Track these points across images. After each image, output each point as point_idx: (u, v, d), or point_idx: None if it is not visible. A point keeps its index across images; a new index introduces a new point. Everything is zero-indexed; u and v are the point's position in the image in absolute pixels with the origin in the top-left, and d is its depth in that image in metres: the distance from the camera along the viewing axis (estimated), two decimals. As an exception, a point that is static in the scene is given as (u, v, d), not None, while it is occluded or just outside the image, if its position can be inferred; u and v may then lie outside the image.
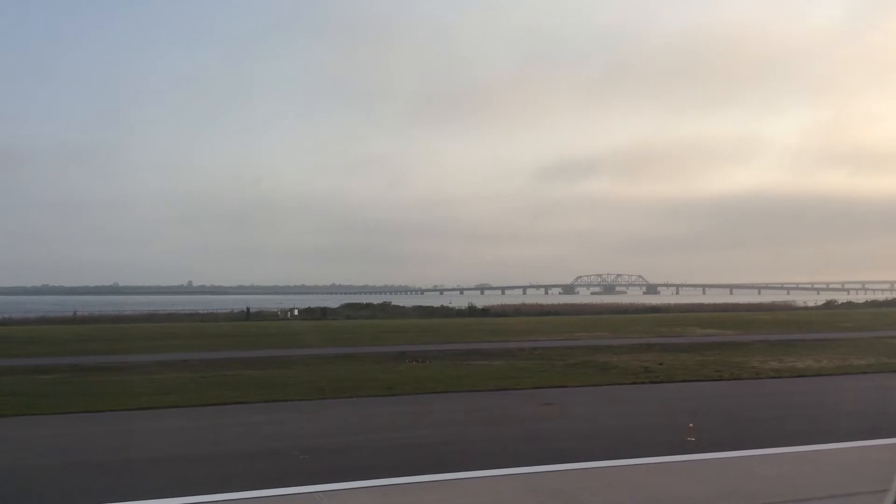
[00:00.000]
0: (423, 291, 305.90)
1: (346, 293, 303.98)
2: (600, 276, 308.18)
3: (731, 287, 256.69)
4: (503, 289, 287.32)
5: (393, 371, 27.64)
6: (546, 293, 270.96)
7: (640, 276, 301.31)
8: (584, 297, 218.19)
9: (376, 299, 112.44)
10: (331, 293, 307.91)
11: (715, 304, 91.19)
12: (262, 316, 70.34)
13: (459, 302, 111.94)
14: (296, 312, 71.36)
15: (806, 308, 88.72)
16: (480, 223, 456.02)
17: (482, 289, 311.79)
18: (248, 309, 71.43)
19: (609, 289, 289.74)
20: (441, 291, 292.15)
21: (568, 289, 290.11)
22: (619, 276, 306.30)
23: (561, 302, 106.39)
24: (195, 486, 10.87)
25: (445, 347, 37.08)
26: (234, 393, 21.72)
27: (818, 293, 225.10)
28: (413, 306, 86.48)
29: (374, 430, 16.06)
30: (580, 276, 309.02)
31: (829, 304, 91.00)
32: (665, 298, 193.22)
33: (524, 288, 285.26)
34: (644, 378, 24.44)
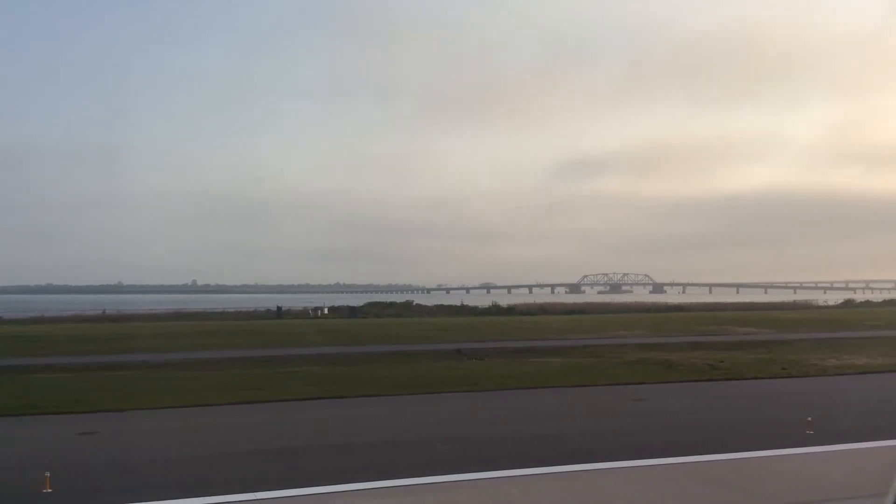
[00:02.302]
0: (428, 290, 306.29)
1: (350, 292, 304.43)
2: (606, 275, 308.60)
3: (738, 286, 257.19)
4: (509, 288, 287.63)
5: (459, 368, 28.35)
6: (552, 292, 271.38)
7: (646, 276, 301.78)
8: (590, 297, 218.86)
9: (382, 298, 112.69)
10: (335, 292, 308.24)
11: (736, 304, 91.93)
12: (292, 314, 71.08)
13: (469, 300, 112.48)
14: (325, 311, 72.14)
15: (827, 307, 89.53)
16: (488, 222, 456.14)
17: (487, 287, 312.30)
18: (279, 308, 72.20)
19: (615, 288, 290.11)
20: (447, 290, 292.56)
21: (574, 288, 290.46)
22: (625, 275, 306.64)
23: (569, 301, 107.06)
24: (409, 469, 11.43)
25: (495, 345, 37.76)
26: (328, 388, 22.39)
27: (825, 292, 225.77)
28: (435, 305, 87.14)
29: (490, 423, 16.78)
30: (586, 276, 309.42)
31: (849, 303, 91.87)
32: (672, 297, 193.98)
33: (530, 287, 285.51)
34: (714, 375, 25.15)
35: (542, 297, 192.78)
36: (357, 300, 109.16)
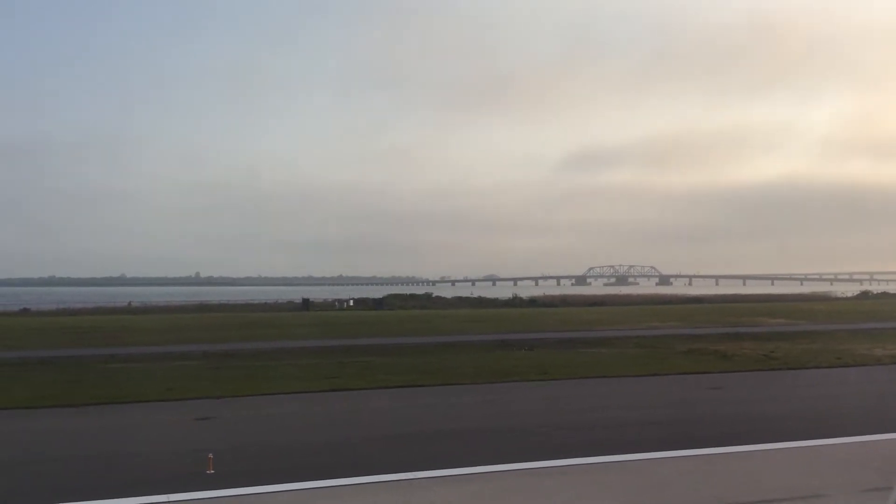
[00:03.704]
0: (433, 282, 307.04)
1: (354, 284, 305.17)
2: (612, 267, 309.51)
3: (744, 278, 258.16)
4: (515, 280, 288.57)
5: (516, 358, 28.97)
6: (558, 284, 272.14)
7: (652, 268, 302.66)
8: (596, 289, 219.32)
9: (385, 290, 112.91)
10: (339, 284, 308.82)
11: (755, 295, 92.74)
12: (317, 306, 71.76)
13: (477, 292, 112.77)
14: (351, 303, 72.86)
15: (846, 298, 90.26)
16: (494, 214, 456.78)
17: (492, 280, 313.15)
18: (306, 300, 72.89)
19: (621, 280, 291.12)
20: (452, 282, 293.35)
21: (580, 280, 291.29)
22: (631, 266, 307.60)
23: (588, 293, 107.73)
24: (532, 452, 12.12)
25: (537, 336, 38.35)
26: (405, 377, 23.01)
27: (831, 284, 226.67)
28: (454, 297, 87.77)
29: (591, 410, 17.41)
30: (592, 268, 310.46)
31: (866, 295, 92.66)
32: (678, 289, 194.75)
33: (536, 279, 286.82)
34: (773, 364, 25.76)
35: (548, 289, 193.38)
36: (365, 292, 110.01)
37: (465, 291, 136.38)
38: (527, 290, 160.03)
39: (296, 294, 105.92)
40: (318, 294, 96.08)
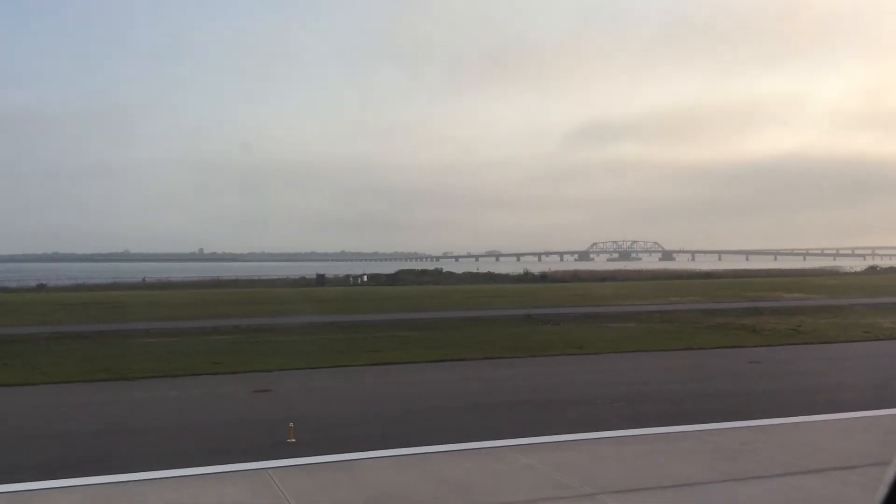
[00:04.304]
0: (436, 258, 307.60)
1: (357, 260, 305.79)
2: (615, 242, 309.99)
3: (747, 253, 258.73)
4: (518, 255, 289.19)
5: (545, 333, 29.32)
6: (561, 259, 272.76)
7: (655, 243, 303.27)
8: (600, 264, 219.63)
9: (391, 266, 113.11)
10: (342, 260, 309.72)
11: (764, 270, 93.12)
12: (332, 282, 72.13)
13: (483, 268, 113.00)
14: (365, 278, 73.25)
15: (855, 273, 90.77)
16: (498, 190, 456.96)
17: (495, 255, 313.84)
18: (323, 275, 73.26)
19: (624, 255, 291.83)
20: (456, 258, 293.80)
21: (583, 255, 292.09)
22: (634, 242, 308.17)
23: (599, 268, 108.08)
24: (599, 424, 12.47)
25: (559, 311, 38.71)
26: (442, 352, 23.37)
27: (834, 259, 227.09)
28: (464, 273, 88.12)
29: (642, 383, 17.73)
30: (595, 244, 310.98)
31: (874, 270, 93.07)
32: (681, 265, 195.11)
33: (539, 255, 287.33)
34: (803, 339, 26.10)
35: (552, 264, 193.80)
36: (372, 268, 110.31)
37: (469, 267, 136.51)
38: (530, 266, 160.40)
39: (302, 270, 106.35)
40: (325, 269, 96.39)
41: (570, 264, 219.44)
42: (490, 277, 77.96)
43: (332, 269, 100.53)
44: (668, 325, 31.49)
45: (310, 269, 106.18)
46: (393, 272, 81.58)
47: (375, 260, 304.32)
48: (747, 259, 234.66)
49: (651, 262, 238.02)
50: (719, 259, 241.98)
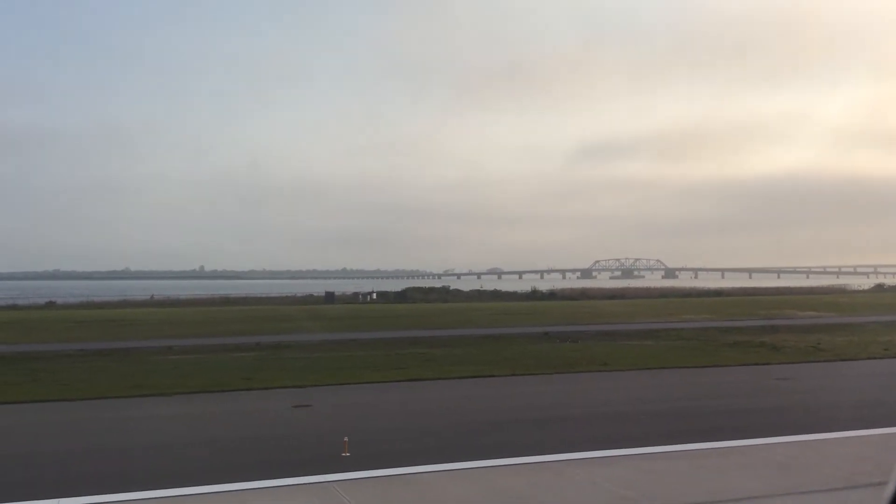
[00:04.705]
0: (438, 276, 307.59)
1: (358, 277, 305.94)
2: (618, 260, 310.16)
3: (750, 271, 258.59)
4: (520, 273, 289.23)
5: (566, 350, 29.48)
6: (563, 277, 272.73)
7: (658, 261, 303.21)
8: (602, 282, 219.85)
9: (393, 284, 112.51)
10: (343, 278, 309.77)
11: (772, 288, 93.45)
12: (341, 299, 72.29)
13: (487, 286, 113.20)
14: (374, 296, 73.42)
15: (863, 291, 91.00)
16: (501, 206, 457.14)
17: (496, 273, 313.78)
18: (332, 293, 73.46)
19: (627, 273, 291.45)
20: (458, 276, 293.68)
21: (586, 273, 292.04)
22: (637, 260, 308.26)
23: (606, 286, 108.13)
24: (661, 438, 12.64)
25: (575, 329, 38.81)
26: (470, 368, 23.56)
27: (837, 277, 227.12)
28: (472, 290, 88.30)
29: (682, 399, 17.93)
30: (598, 261, 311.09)
31: (881, 287, 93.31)
32: (685, 282, 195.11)
33: (541, 272, 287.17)
34: (825, 356, 26.27)
35: (554, 282, 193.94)
36: (378, 286, 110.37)
37: (471, 284, 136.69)
38: (533, 284, 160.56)
39: (305, 288, 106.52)
40: (329, 287, 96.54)
41: (574, 282, 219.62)
42: (497, 295, 78.10)
43: (337, 287, 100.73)
44: (686, 343, 31.65)
45: (313, 287, 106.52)
46: (400, 290, 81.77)
47: (377, 278, 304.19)
48: (750, 277, 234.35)
49: (654, 280, 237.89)
50: (722, 277, 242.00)
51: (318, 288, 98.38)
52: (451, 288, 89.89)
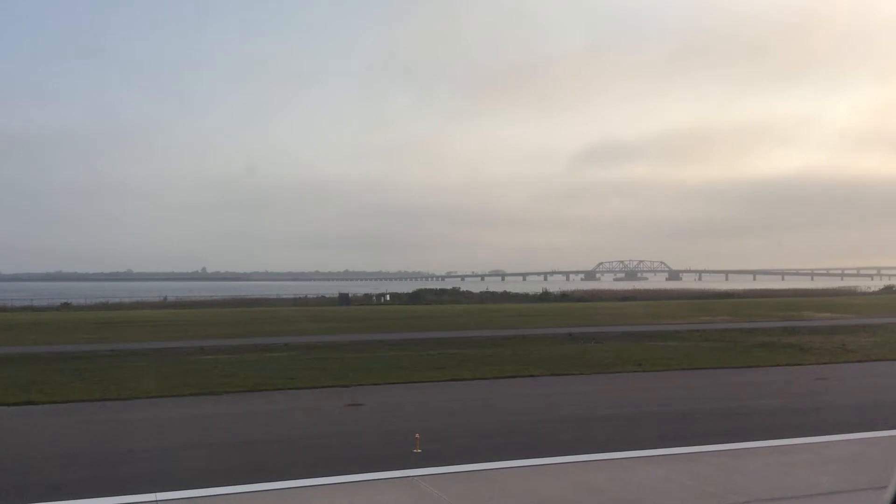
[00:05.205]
0: (441, 277, 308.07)
1: (361, 279, 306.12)
2: (622, 262, 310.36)
3: (754, 273, 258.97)
4: (524, 275, 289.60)
5: (592, 350, 29.72)
6: (567, 279, 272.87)
7: (662, 263, 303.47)
8: (606, 283, 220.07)
9: (397, 286, 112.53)
10: (346, 279, 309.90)
11: (782, 290, 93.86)
12: (356, 301, 72.67)
13: (491, 287, 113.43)
14: (387, 297, 73.80)
15: (874, 293, 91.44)
16: (505, 209, 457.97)
17: (499, 275, 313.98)
18: (347, 294, 73.84)
19: (630, 275, 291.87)
20: (462, 277, 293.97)
21: (589, 275, 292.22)
22: (640, 262, 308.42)
23: (618, 288, 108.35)
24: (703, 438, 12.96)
25: (597, 330, 39.07)
26: (506, 368, 23.88)
27: (841, 279, 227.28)
28: (482, 292, 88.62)
29: (727, 399, 18.18)
30: (602, 263, 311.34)
31: (891, 289, 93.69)
32: (688, 284, 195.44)
33: (545, 274, 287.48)
34: (855, 357, 26.57)
35: (558, 284, 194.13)
36: (384, 287, 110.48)
37: (474, 286, 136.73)
38: (537, 285, 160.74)
39: (311, 289, 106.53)
40: (333, 288, 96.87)
41: (577, 283, 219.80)
42: (508, 297, 78.42)
43: (343, 288, 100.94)
44: (713, 344, 31.88)
45: (318, 289, 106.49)
46: (413, 291, 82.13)
47: (379, 279, 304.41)
48: (754, 279, 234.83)
49: (657, 282, 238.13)
50: (726, 279, 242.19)
51: (322, 289, 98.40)
52: (462, 290, 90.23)
